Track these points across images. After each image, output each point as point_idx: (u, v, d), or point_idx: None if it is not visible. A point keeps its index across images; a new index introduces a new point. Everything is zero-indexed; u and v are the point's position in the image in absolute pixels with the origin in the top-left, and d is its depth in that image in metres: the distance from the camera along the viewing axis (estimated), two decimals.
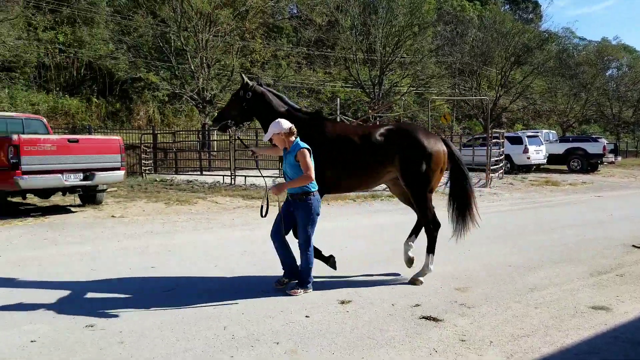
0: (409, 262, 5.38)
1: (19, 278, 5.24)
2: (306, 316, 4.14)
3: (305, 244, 4.64)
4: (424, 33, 31.98)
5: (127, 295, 4.65)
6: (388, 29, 30.09)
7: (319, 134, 5.07)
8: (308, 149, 4.54)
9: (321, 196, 4.86)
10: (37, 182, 8.64)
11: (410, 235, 5.48)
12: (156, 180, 14.79)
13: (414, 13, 30.12)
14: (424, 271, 5.18)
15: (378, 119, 28.68)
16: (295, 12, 39.25)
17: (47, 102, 27.49)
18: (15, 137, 8.41)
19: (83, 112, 30.27)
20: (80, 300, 4.55)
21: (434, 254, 5.22)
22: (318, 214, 4.67)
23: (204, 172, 16.68)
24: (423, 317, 4.14)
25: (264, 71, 31.05)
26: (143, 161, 17.85)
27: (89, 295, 4.67)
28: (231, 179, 14.00)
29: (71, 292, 4.75)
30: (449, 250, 5.98)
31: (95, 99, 31.48)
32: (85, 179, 9.27)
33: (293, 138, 4.62)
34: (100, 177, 9.52)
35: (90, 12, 32.36)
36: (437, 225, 5.26)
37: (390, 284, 5.08)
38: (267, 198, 4.83)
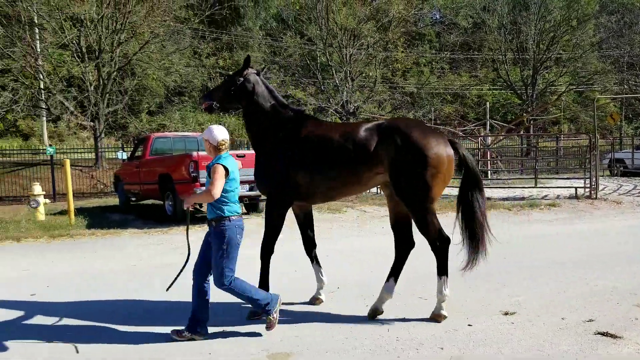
0: (374, 312, 4.37)
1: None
2: (469, 325, 4.12)
3: (219, 280, 3.90)
4: (584, 26, 29.17)
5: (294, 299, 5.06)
6: (542, 25, 28.10)
7: (295, 133, 4.54)
8: (225, 167, 3.93)
9: (288, 205, 4.54)
10: None
11: (388, 278, 4.44)
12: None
13: (571, 6, 27.68)
14: (440, 299, 4.26)
15: (532, 121, 26.78)
16: (438, 17, 38.62)
17: (210, 122, 30.87)
18: (195, 154, 9.68)
19: (240, 129, 33.53)
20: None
21: (447, 276, 4.26)
22: (237, 244, 3.96)
23: None
24: (598, 333, 3.85)
25: (405, 79, 31.11)
26: None
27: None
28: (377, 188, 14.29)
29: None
30: (625, 264, 5.41)
31: None
32: (250, 189, 10.29)
33: (220, 152, 4.04)
34: None
35: (245, 38, 35.77)
36: (444, 241, 4.26)
37: (555, 297, 4.78)
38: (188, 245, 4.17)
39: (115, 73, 21.35)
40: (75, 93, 21.58)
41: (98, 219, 10.95)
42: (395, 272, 4.44)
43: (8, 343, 3.93)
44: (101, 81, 20.74)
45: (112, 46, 20.71)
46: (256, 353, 3.69)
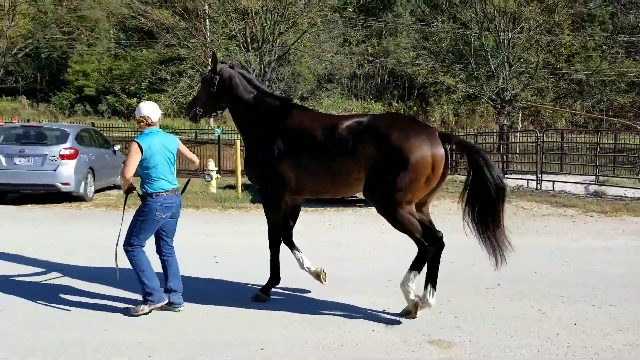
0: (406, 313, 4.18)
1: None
2: None
3: (124, 243, 4.14)
4: None
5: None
6: None
7: (281, 123, 4.36)
8: (139, 144, 4.05)
9: (279, 199, 4.43)
10: None
11: (425, 286, 4.08)
12: (455, 181, 15.30)
13: None
14: (406, 289, 4.01)
15: None
16: None
17: (357, 108, 31.40)
18: None
19: None
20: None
21: (419, 272, 3.99)
22: (154, 220, 4.10)
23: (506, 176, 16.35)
24: None
25: (571, 65, 28.21)
26: None
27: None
28: (537, 183, 13.33)
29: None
30: None
31: (395, 103, 34.57)
32: None
33: (143, 126, 4.21)
34: None
35: (395, 24, 35.57)
36: (435, 240, 3.97)
37: None
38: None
39: (274, 62, 22.90)
40: None
41: (259, 194, 12.03)
42: (431, 278, 4.09)
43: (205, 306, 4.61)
44: (262, 69, 22.43)
45: (274, 36, 22.20)
46: (418, 337, 3.80)
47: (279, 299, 4.65)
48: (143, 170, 4.14)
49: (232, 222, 8.75)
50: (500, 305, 4.51)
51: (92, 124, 20.97)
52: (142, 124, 4.23)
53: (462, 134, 23.48)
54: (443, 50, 27.83)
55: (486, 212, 3.92)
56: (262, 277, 4.84)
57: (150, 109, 4.24)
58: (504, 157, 17.71)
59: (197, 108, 4.79)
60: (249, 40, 22.57)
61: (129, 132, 20.96)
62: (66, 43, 32.34)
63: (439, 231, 4.09)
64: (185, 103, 28.79)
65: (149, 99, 26.61)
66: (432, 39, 28.99)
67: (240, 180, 11.26)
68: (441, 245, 4.05)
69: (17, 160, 9.66)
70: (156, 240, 4.33)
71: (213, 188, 11.92)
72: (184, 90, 22.69)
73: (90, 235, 7.45)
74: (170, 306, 4.25)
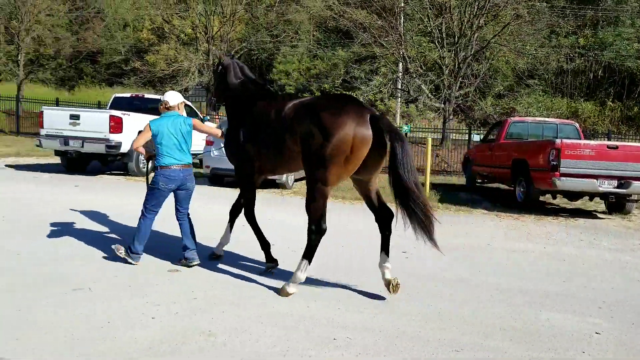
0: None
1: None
2: None
3: (142, 208, 5.01)
4: None
5: None
6: None
7: (250, 107, 4.81)
8: (149, 124, 4.94)
9: (250, 177, 4.88)
10: (572, 185, 8.96)
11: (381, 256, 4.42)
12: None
13: None
14: (294, 278, 4.29)
15: None
16: None
17: (563, 107, 28.24)
18: (557, 141, 8.99)
19: (595, 116, 29.49)
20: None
21: (309, 262, 4.27)
22: (159, 190, 4.88)
23: None
24: None
25: None
26: None
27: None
28: None
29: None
30: None
31: (611, 103, 30.01)
32: (619, 186, 8.93)
33: (162, 109, 5.07)
34: (635, 186, 8.93)
35: (617, 12, 30.86)
36: (320, 230, 4.18)
37: None
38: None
39: (470, 57, 21.91)
40: (432, 77, 23.26)
41: (447, 195, 11.60)
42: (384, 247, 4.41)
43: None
44: (456, 65, 21.65)
45: (471, 30, 21.22)
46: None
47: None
48: (156, 146, 4.94)
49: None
50: None
51: None
52: (161, 107, 5.07)
53: None
54: None
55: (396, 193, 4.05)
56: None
57: (169, 96, 5.12)
58: None
59: (212, 97, 5.52)
60: (444, 35, 21.99)
61: None
62: (273, 45, 35.85)
63: (390, 210, 4.37)
64: (375, 101, 29.56)
65: None
66: None
67: (429, 179, 10.99)
68: (387, 228, 4.42)
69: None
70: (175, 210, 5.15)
71: None
72: (375, 88, 23.21)
73: (285, 220, 7.98)
74: (186, 261, 5.01)
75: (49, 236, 5.98)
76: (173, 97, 5.10)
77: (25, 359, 3.04)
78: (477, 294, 4.64)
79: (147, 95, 13.85)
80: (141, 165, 12.02)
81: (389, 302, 4.33)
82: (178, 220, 5.15)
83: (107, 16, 35.29)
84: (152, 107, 13.12)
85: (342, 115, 3.98)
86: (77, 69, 37.80)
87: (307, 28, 39.18)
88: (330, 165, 3.97)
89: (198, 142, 14.00)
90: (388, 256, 4.40)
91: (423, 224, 3.99)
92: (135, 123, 11.60)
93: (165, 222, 6.21)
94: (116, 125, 11.18)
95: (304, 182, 12.34)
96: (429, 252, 4.72)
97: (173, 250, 5.47)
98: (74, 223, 6.74)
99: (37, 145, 11.84)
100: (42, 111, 11.70)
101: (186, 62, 26.22)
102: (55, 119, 11.48)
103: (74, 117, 11.36)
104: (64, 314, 3.73)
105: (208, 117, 17.54)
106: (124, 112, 11.59)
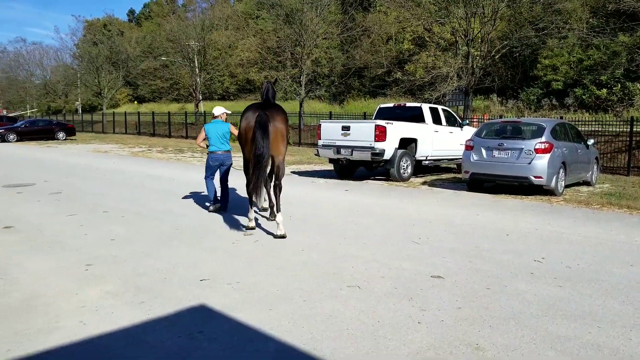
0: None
1: None
2: None
3: (205, 176, 8.50)
4: None
5: None
6: None
7: (248, 113, 6.84)
8: (204, 128, 8.29)
9: (245, 162, 6.96)
10: None
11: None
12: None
13: None
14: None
15: None
16: None
17: None
18: None
19: None
20: None
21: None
22: (210, 166, 8.29)
23: None
24: None
25: None
26: None
27: None
28: None
29: None
30: None
31: None
32: None
33: (211, 118, 8.68)
34: None
35: None
36: (249, 191, 6.78)
37: None
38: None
39: None
40: None
41: None
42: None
43: None
44: None
45: None
46: None
47: None
48: (209, 140, 8.20)
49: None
50: None
51: (560, 117, 20.51)
52: (212, 116, 8.46)
53: None
54: None
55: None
56: None
57: (215, 110, 8.42)
58: None
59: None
60: None
61: (594, 126, 19.08)
62: (539, 40, 32.75)
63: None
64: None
65: (622, 87, 24.09)
66: None
67: None
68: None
69: (495, 153, 10.45)
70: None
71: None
72: None
73: (563, 232, 7.15)
74: (220, 210, 8.27)
75: (333, 233, 6.79)
76: (217, 110, 8.41)
77: (313, 343, 3.48)
78: None
79: (408, 104, 14.38)
80: (401, 171, 12.56)
81: None
82: (221, 185, 8.33)
83: (372, 33, 38.16)
84: (412, 115, 13.59)
85: (248, 114, 6.79)
86: (347, 85, 42.03)
87: (580, 16, 34.48)
88: (241, 144, 7.02)
89: (456, 147, 13.99)
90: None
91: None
92: (397, 131, 12.20)
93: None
94: (381, 134, 11.96)
95: (573, 188, 10.98)
96: None
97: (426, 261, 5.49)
98: (358, 224, 7.48)
99: (316, 154, 13.58)
100: (320, 124, 13.35)
101: (445, 68, 26.23)
102: (329, 131, 12.97)
103: (345, 129, 12.62)
104: (341, 307, 4.14)
105: (467, 122, 17.21)
106: (387, 121, 12.31)
